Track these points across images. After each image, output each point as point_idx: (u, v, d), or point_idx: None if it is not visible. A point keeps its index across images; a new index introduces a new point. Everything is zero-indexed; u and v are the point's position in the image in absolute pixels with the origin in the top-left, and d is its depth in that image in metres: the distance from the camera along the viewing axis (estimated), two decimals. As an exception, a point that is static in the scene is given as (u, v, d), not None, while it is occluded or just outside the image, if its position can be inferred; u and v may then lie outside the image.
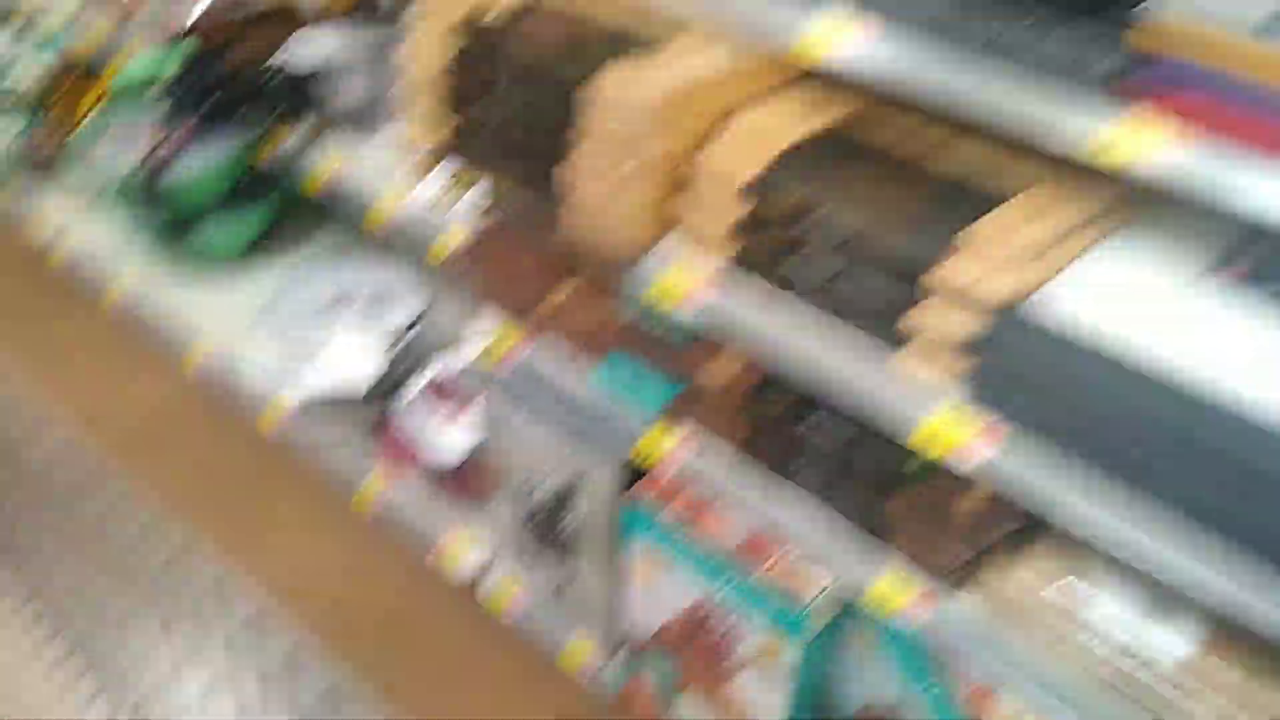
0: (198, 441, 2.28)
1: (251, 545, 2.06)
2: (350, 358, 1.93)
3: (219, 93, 2.07)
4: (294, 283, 2.13)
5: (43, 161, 2.81)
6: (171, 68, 2.17)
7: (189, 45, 2.11)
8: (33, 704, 1.67)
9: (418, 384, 1.97)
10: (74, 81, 2.73)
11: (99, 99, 2.61)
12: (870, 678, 1.36)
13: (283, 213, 2.73)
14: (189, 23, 2.13)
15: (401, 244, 2.61)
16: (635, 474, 1.47)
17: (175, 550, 2.03)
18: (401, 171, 1.85)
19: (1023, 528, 1.13)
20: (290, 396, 2.01)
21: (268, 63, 1.92)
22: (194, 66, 2.10)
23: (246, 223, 2.51)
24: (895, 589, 1.21)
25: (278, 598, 1.93)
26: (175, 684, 1.76)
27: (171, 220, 2.42)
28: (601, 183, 1.20)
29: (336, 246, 2.64)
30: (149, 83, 2.34)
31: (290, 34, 1.92)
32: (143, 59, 2.36)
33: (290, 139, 1.93)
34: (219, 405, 2.36)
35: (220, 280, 2.54)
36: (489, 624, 1.93)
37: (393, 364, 1.96)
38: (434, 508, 2.03)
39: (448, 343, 2.21)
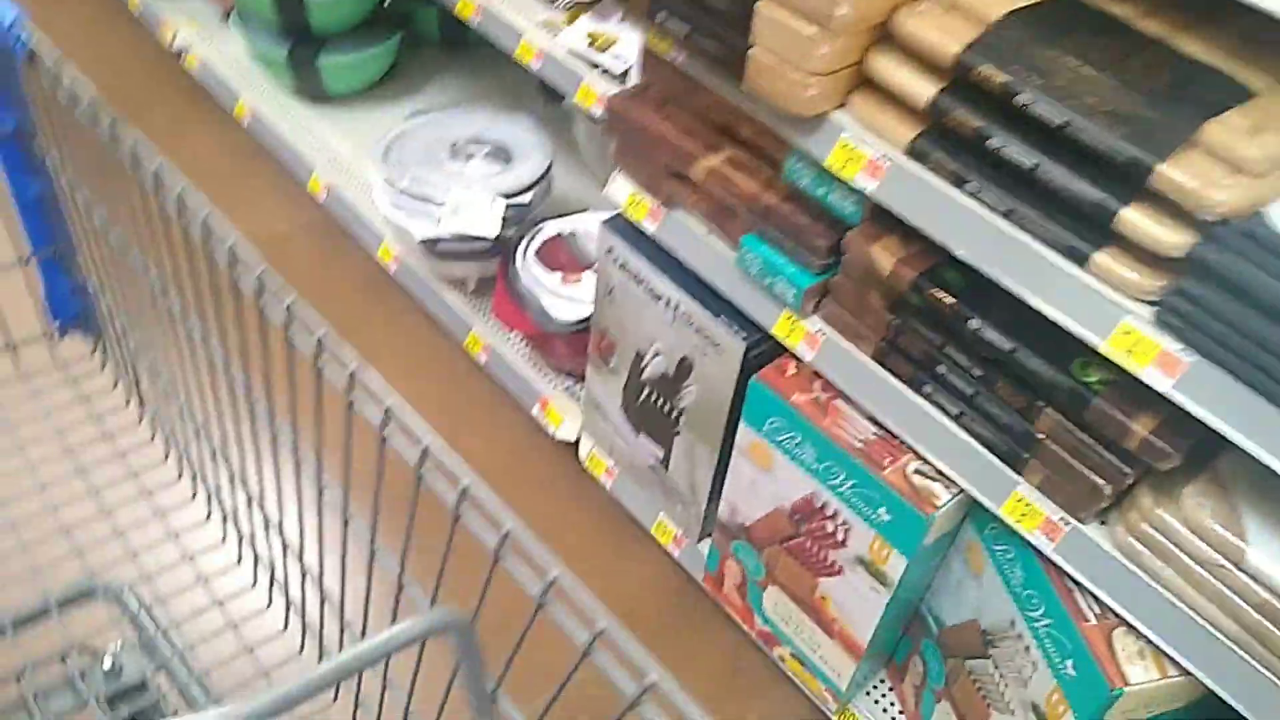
0: (311, 267, 2.29)
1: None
2: (470, 207, 1.89)
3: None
4: (419, 124, 2.08)
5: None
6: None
7: None
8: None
9: (535, 242, 1.93)
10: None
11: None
12: (973, 597, 1.32)
13: (411, 51, 2.69)
14: None
15: (533, 97, 2.56)
16: (759, 360, 1.42)
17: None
18: (544, 18, 1.78)
19: (1181, 464, 1.06)
20: (407, 236, 1.98)
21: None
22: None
23: (375, 55, 2.47)
24: (1025, 511, 1.16)
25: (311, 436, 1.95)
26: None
27: (301, 46, 2.38)
28: (789, 38, 1.12)
29: (462, 94, 2.60)
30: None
31: None
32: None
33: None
34: (335, 235, 2.36)
35: (344, 112, 2.52)
36: (586, 485, 1.93)
37: (512, 219, 1.92)
38: (540, 367, 2.01)
39: (571, 203, 2.17)
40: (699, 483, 1.63)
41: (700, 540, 1.73)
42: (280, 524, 1.01)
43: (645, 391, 1.64)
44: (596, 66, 1.68)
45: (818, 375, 1.37)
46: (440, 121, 2.09)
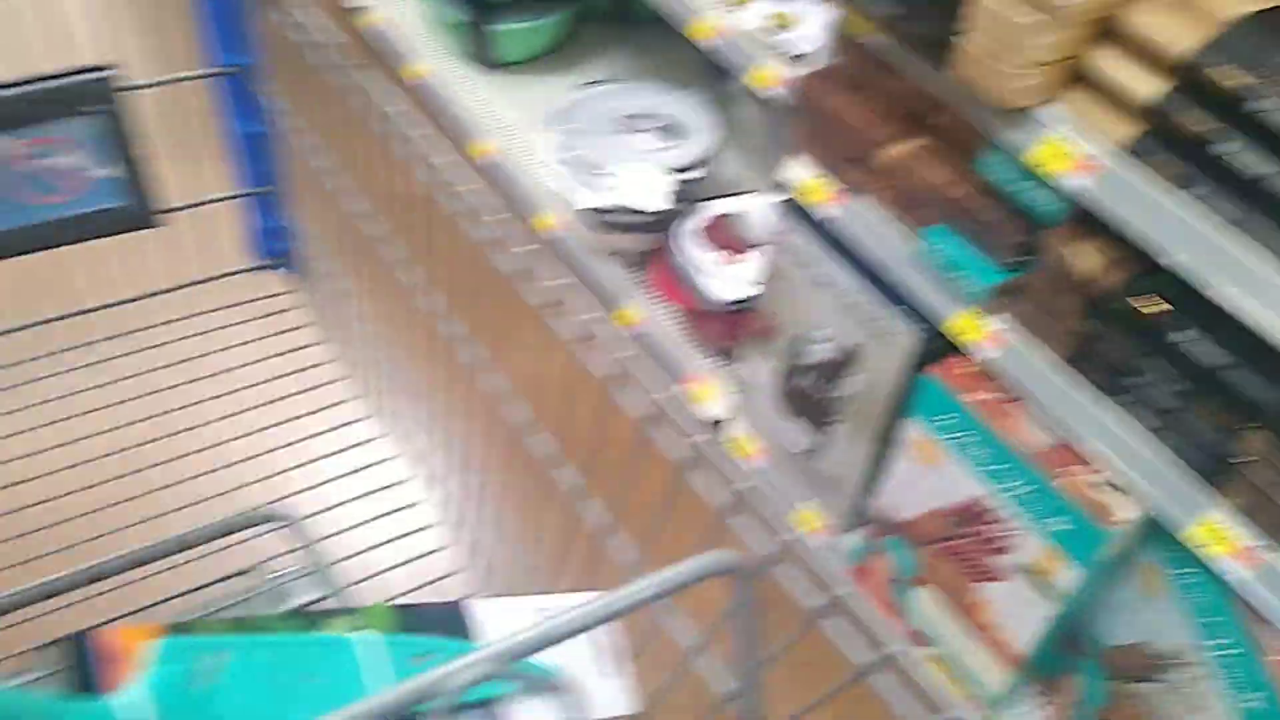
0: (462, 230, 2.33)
1: (500, 337, 2.12)
2: (637, 179, 1.90)
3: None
4: (592, 95, 2.10)
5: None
6: None
7: None
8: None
9: (699, 220, 1.93)
10: None
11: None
12: (1145, 619, 1.26)
13: (582, 23, 2.70)
14: None
15: (699, 75, 2.55)
16: (929, 355, 1.39)
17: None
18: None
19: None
20: (569, 205, 2.00)
21: None
22: None
23: (549, 25, 2.49)
24: (1217, 534, 1.10)
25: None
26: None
27: (479, 11, 2.42)
28: (1006, 27, 1.09)
29: (629, 69, 2.60)
30: None
31: None
32: None
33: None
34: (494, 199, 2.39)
35: (512, 80, 2.55)
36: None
37: (677, 195, 1.92)
38: (691, 344, 2.01)
39: (732, 184, 2.16)
40: (852, 473, 1.60)
41: (848, 531, 1.70)
42: (470, 471, 1.03)
43: (803, 377, 1.62)
44: (774, 47, 1.66)
45: (990, 375, 1.33)
46: (613, 94, 2.10)
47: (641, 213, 1.92)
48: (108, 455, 1.08)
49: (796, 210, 1.52)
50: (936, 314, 1.35)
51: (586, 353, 0.69)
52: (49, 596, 1.16)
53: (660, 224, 1.97)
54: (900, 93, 1.36)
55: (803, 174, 1.49)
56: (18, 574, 1.00)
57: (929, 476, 1.41)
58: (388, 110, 0.84)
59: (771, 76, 1.62)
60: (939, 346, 1.38)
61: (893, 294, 1.41)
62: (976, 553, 1.38)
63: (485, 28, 2.42)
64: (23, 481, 1.04)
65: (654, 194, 1.89)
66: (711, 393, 1.91)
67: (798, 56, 1.64)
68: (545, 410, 0.82)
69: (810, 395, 1.62)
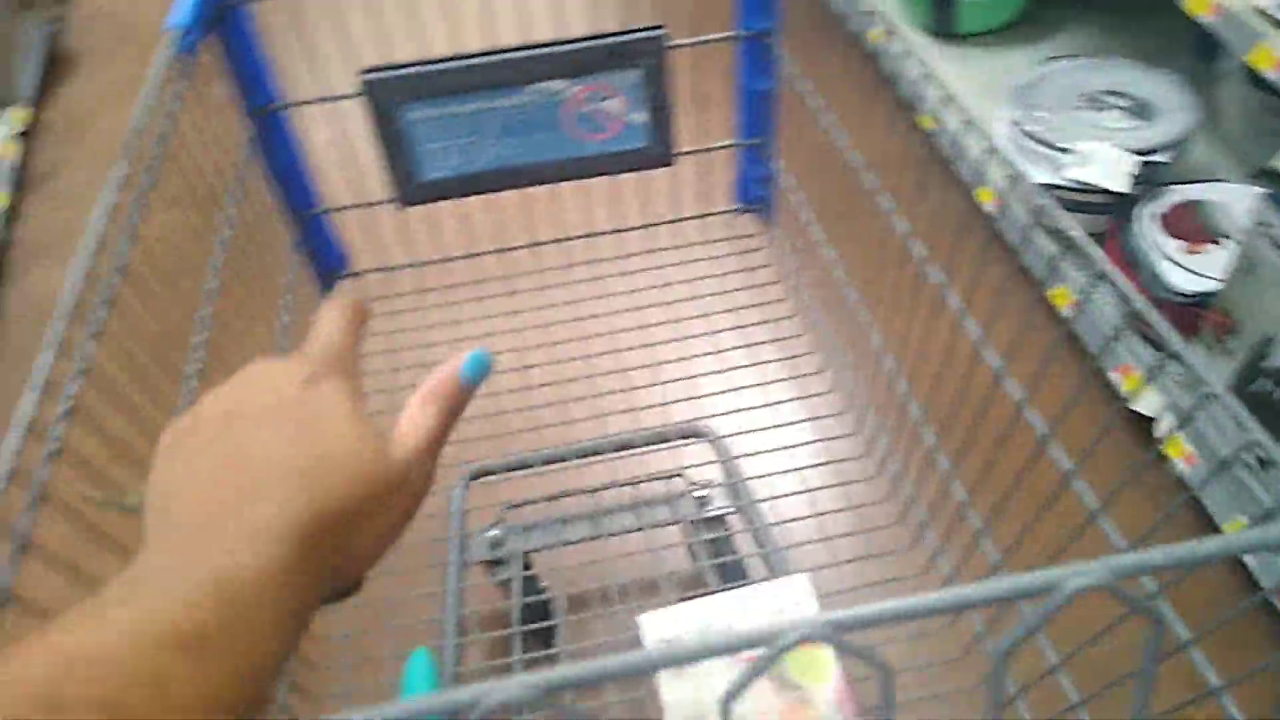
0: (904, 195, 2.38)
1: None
2: (1099, 159, 1.84)
3: None
4: (1057, 70, 2.05)
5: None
6: None
7: None
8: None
9: (1160, 205, 1.84)
10: None
11: None
12: None
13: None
14: None
15: (1177, 53, 2.40)
16: None
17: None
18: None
19: None
20: (1023, 179, 1.98)
21: None
22: None
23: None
24: None
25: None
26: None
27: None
28: None
29: (1093, 44, 2.51)
30: None
31: None
32: None
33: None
34: (933, 169, 2.42)
35: (969, 51, 2.55)
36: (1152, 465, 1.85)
37: (1141, 177, 1.84)
38: (1133, 333, 1.93)
39: (1200, 170, 2.03)
40: (1307, 492, 1.48)
41: (1288, 554, 1.58)
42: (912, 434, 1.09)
43: (1265, 381, 1.51)
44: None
45: None
46: (1079, 69, 2.04)
47: (1100, 192, 1.87)
48: (573, 359, 1.27)
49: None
50: None
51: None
52: (515, 469, 1.40)
53: (1115, 206, 1.90)
54: None
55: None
56: (492, 445, 1.22)
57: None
58: (887, 73, 0.92)
59: (1277, 56, 1.51)
60: None
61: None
62: None
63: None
64: (505, 372, 1.26)
65: (1117, 175, 1.83)
66: (1141, 385, 1.83)
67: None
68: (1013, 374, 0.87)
69: (1270, 401, 1.51)
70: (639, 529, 1.29)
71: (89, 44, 3.44)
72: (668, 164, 1.19)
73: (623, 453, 1.31)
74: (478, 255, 1.30)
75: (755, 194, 1.34)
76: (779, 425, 1.20)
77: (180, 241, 1.46)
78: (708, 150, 1.23)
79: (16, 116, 2.90)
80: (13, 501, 0.56)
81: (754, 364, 1.25)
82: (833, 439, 1.18)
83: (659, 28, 1.05)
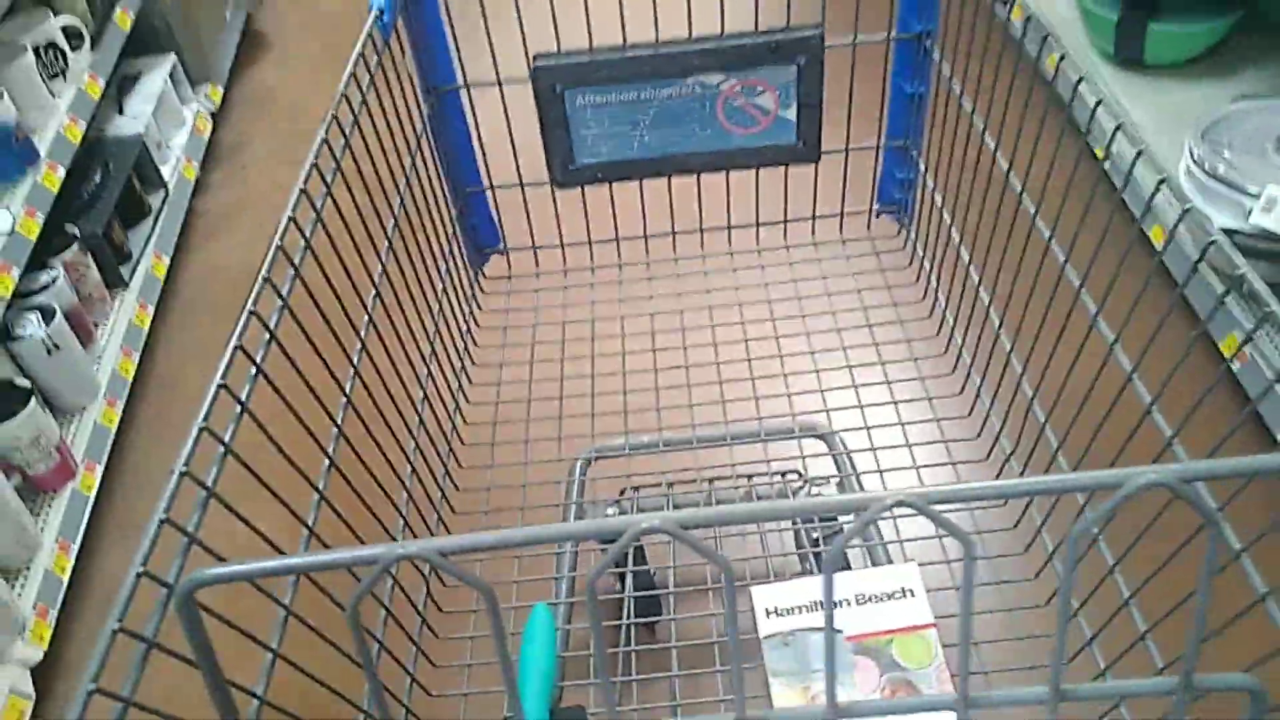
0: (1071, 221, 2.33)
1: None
2: None
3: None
4: (1247, 109, 1.98)
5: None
6: None
7: None
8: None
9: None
10: None
11: None
12: None
13: (1240, 30, 2.53)
14: None
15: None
16: None
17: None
18: None
19: None
20: (1204, 221, 1.93)
21: None
22: None
23: (1208, 30, 2.38)
24: None
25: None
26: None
27: (1136, 9, 2.37)
28: None
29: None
30: None
31: None
32: None
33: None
34: (1107, 202, 2.36)
35: (1152, 82, 2.47)
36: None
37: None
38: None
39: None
40: None
41: None
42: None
43: None
44: None
45: None
46: (1271, 110, 1.97)
47: None
48: (699, 345, 1.30)
49: None
50: None
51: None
52: (636, 451, 1.44)
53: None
54: None
55: None
56: (615, 420, 1.27)
57: None
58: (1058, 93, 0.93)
59: None
60: None
61: None
62: None
63: (1141, 27, 2.36)
64: (635, 353, 1.30)
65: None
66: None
67: None
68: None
69: None
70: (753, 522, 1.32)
71: (278, 27, 3.68)
72: (814, 160, 1.21)
73: (741, 442, 1.34)
74: (618, 240, 1.36)
75: (896, 196, 1.35)
76: (900, 423, 1.22)
77: (351, 217, 1.57)
78: (853, 150, 1.25)
79: (214, 94, 3.13)
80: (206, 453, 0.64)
81: (880, 363, 1.26)
82: (955, 441, 1.18)
83: (818, 26, 1.08)
